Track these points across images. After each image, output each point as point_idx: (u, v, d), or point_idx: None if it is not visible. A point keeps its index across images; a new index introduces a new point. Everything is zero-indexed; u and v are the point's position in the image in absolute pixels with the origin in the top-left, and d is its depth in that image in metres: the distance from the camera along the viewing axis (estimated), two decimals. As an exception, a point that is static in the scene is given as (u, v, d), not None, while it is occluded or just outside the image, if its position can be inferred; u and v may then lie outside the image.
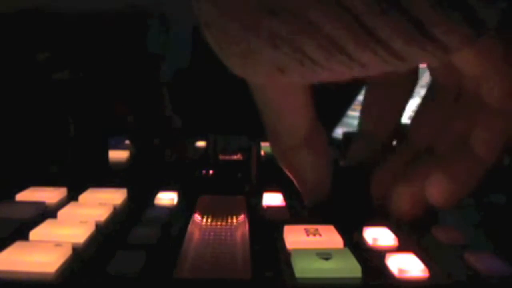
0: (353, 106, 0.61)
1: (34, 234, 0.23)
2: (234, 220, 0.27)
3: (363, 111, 0.31)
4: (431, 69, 0.27)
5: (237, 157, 0.40)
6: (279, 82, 0.24)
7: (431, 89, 0.28)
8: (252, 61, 0.20)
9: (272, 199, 0.31)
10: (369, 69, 0.19)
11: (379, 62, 0.19)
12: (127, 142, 0.47)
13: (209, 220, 0.27)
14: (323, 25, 0.18)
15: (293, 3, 0.17)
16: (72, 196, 0.30)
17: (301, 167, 0.27)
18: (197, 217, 0.27)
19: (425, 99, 0.29)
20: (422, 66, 0.26)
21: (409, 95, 0.29)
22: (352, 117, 0.59)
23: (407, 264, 0.21)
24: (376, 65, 0.19)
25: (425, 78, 0.43)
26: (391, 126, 0.29)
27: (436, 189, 0.25)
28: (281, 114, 0.26)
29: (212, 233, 0.25)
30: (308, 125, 0.26)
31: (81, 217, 0.26)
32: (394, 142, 0.30)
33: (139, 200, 0.30)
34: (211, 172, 0.36)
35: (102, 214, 0.27)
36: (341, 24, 0.17)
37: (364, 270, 0.20)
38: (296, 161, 0.27)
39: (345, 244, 0.23)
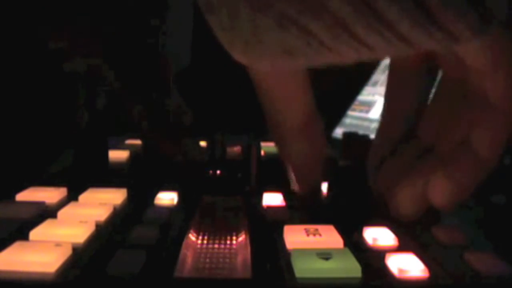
0: (353, 106, 0.61)
1: (34, 234, 0.23)
2: (234, 220, 0.27)
3: (384, 112, 0.30)
4: (441, 63, 0.27)
5: (238, 157, 0.40)
6: (282, 70, 0.23)
7: (439, 86, 0.28)
8: (258, 43, 0.20)
9: (272, 199, 0.30)
10: (376, 52, 0.19)
11: (386, 45, 0.19)
12: (127, 142, 0.47)
13: (209, 220, 0.27)
14: (331, 4, 0.18)
15: None
16: (72, 196, 0.30)
17: (294, 154, 0.28)
18: (197, 217, 0.27)
19: (433, 96, 0.28)
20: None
21: (428, 94, 0.29)
22: (352, 117, 0.59)
23: (407, 264, 0.21)
24: (383, 48, 0.19)
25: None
26: (409, 125, 0.29)
27: (437, 191, 0.25)
28: (279, 102, 0.26)
29: (212, 233, 0.25)
30: (304, 114, 0.26)
31: (81, 217, 0.26)
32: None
33: (139, 200, 0.30)
34: (218, 172, 0.36)
35: (102, 214, 0.27)
36: (348, 3, 0.17)
37: (364, 270, 0.20)
38: (290, 148, 0.27)
39: (345, 244, 0.23)
